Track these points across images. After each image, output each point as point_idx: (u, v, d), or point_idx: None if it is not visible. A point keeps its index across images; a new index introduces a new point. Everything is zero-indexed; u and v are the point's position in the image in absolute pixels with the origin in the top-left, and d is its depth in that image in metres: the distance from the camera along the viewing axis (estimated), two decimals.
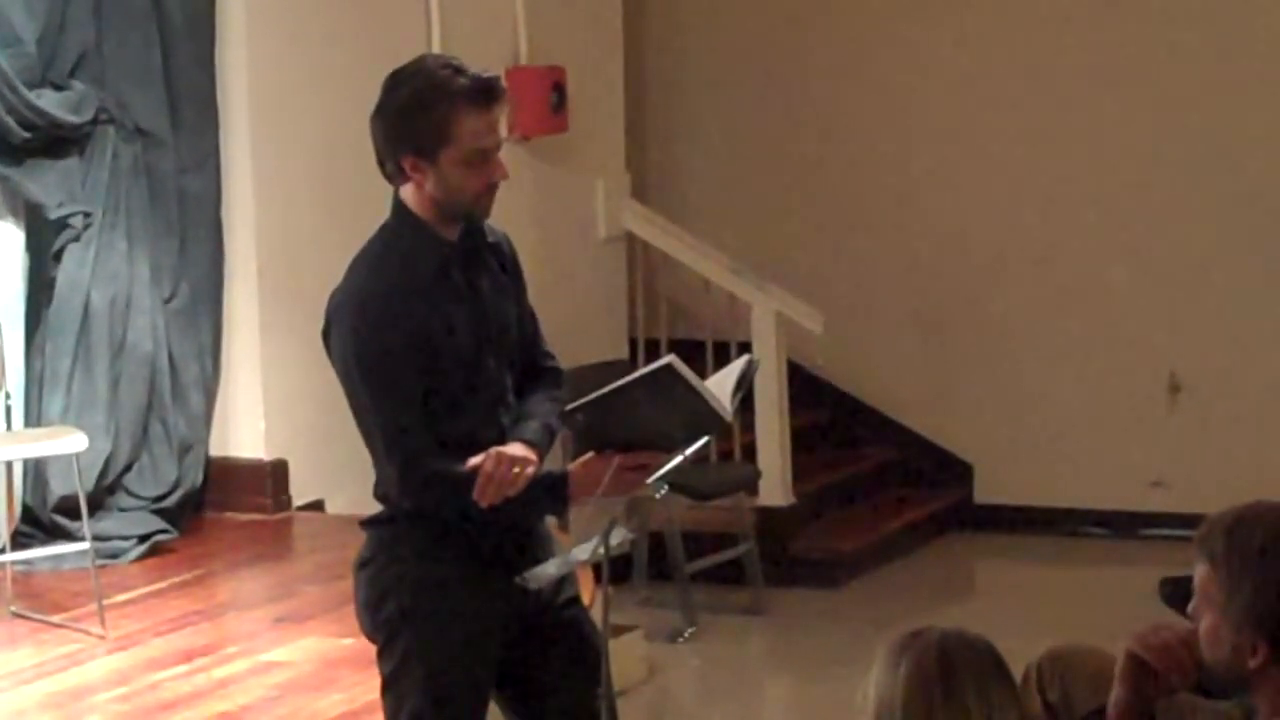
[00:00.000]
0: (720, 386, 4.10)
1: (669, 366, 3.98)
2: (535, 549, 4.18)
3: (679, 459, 4.11)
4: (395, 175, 4.10)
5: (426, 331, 4.04)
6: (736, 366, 4.18)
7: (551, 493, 4.11)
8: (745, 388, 4.14)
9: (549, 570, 4.10)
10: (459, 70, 4.05)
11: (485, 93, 4.04)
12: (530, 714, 4.29)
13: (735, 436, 9.04)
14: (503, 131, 4.12)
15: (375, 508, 4.22)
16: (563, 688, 4.23)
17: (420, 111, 4.02)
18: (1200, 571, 3.22)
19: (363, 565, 4.19)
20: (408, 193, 4.11)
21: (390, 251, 4.11)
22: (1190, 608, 3.29)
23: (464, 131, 4.01)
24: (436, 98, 4.02)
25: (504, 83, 4.13)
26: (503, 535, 4.12)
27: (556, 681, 4.23)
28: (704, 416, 4.07)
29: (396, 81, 4.10)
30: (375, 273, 4.10)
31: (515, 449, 4.06)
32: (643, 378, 4.03)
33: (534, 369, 4.29)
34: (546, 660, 4.23)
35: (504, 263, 4.24)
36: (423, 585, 4.10)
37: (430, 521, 4.10)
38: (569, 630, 4.26)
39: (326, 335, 4.13)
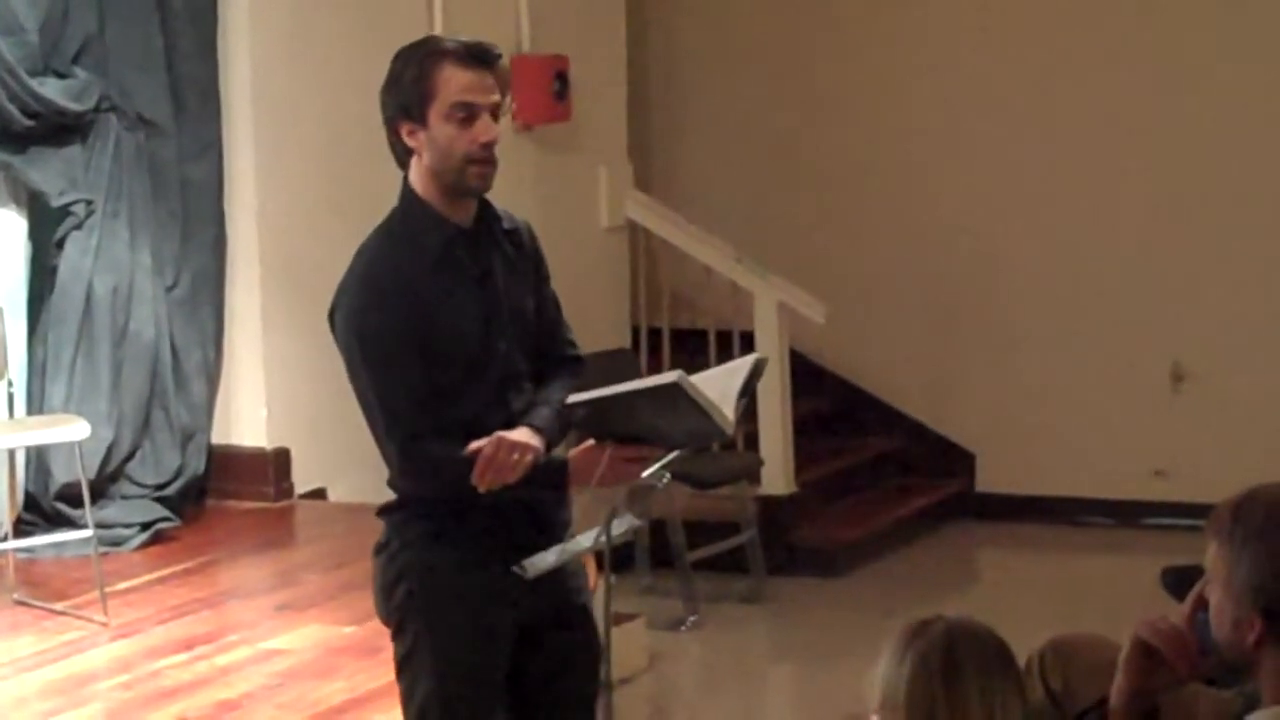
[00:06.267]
0: (726, 385, 4.05)
1: (675, 385, 3.94)
2: (549, 536, 4.16)
3: (674, 455, 4.09)
4: (402, 154, 4.12)
5: (428, 312, 4.03)
6: (744, 366, 4.12)
7: (549, 479, 4.10)
8: (751, 390, 4.11)
9: (548, 558, 4.08)
10: (454, 39, 4.11)
11: (472, 54, 4.06)
12: (526, 703, 4.26)
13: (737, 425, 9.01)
14: (496, 100, 4.09)
15: (377, 495, 4.22)
16: (562, 678, 4.22)
17: (408, 72, 4.06)
18: (1209, 550, 3.22)
19: (378, 550, 4.20)
20: (414, 174, 4.11)
21: (395, 234, 4.12)
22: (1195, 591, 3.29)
23: (448, 85, 4.02)
24: (423, 57, 4.06)
25: (499, 52, 4.13)
26: (515, 520, 4.11)
27: (556, 671, 4.21)
28: (705, 429, 4.06)
29: (396, 55, 4.14)
30: (379, 254, 4.10)
31: (519, 434, 4.03)
32: (647, 390, 4.01)
33: (555, 357, 4.27)
34: (548, 649, 4.21)
35: (521, 249, 4.22)
36: (431, 569, 4.10)
37: (441, 506, 4.09)
38: (573, 619, 4.24)
39: (332, 317, 4.14)
